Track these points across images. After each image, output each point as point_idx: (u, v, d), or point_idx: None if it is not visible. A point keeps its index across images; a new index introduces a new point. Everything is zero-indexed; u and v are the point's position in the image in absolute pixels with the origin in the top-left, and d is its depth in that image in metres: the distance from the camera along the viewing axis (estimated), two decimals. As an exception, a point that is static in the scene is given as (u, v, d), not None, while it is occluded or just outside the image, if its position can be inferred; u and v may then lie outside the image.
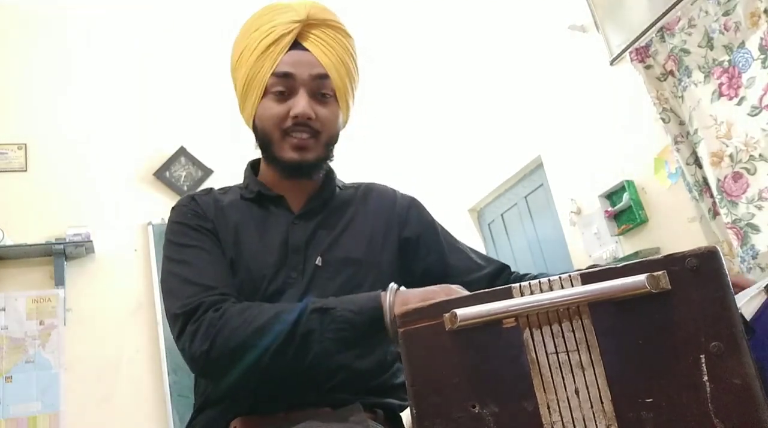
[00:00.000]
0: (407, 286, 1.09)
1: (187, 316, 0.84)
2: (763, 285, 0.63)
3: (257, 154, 1.09)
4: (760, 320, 0.59)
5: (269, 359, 0.79)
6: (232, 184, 1.09)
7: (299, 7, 0.96)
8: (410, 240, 1.06)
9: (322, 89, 0.96)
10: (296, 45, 0.95)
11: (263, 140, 0.98)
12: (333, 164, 1.10)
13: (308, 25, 0.96)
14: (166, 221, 1.02)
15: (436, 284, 1.04)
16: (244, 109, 1.01)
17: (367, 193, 1.10)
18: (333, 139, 1.01)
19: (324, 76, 0.96)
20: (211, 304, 0.84)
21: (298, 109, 0.94)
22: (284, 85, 0.95)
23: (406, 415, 0.98)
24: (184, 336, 0.83)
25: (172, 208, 1.01)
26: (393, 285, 0.81)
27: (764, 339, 0.56)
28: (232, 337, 0.80)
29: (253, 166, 1.09)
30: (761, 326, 0.58)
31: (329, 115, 0.98)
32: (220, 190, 1.06)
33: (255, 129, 1.00)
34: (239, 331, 0.80)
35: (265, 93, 0.96)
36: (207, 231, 0.96)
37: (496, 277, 1.08)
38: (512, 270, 1.11)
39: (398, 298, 0.78)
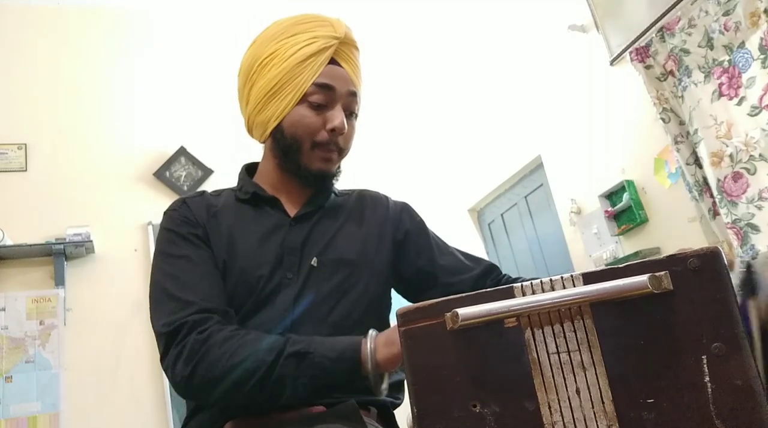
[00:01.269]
0: (398, 286, 1.10)
1: (170, 338, 0.85)
2: (738, 287, 0.62)
3: (257, 153, 1.09)
4: None
5: (246, 393, 0.81)
6: (226, 187, 1.09)
7: (337, 25, 0.99)
8: (402, 243, 1.08)
9: (352, 106, 1.00)
10: (332, 60, 0.98)
11: (290, 145, 0.98)
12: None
13: (343, 43, 0.99)
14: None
15: (426, 284, 1.07)
16: (265, 110, 0.99)
17: (360, 198, 1.12)
18: (348, 153, 1.05)
19: (355, 94, 1.00)
20: (193, 325, 0.84)
21: (336, 122, 0.96)
22: (324, 96, 0.97)
23: (399, 413, 0.99)
24: (168, 358, 0.84)
25: (164, 213, 1.01)
26: (372, 333, 0.82)
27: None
28: (211, 368, 0.81)
29: (248, 170, 1.10)
30: None
31: (351, 132, 1.03)
32: (213, 192, 1.06)
33: (279, 132, 0.99)
34: (218, 364, 0.81)
35: (301, 100, 0.97)
36: (197, 239, 0.96)
37: (485, 277, 1.09)
38: (502, 272, 1.11)
39: (380, 339, 0.80)
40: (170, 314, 0.86)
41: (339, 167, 1.04)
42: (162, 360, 0.86)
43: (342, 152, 1.02)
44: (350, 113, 1.01)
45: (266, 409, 0.87)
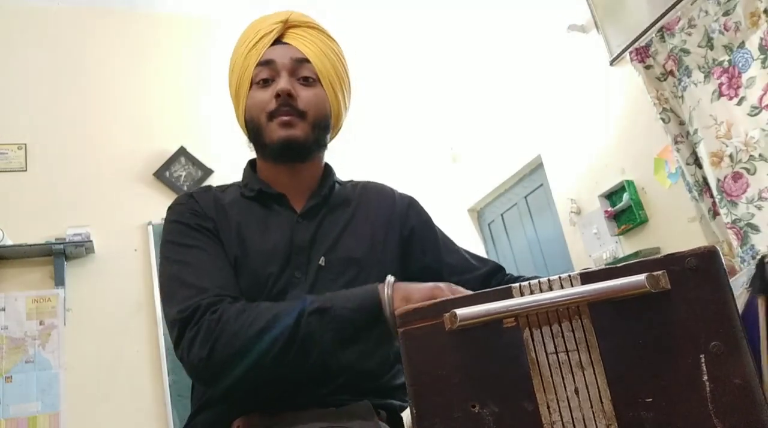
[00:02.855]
0: None
1: (185, 322, 0.83)
2: (747, 283, 0.62)
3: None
4: (746, 318, 0.59)
5: (270, 362, 0.79)
6: (230, 183, 1.08)
7: (282, 13, 1.03)
8: (408, 239, 1.07)
9: (303, 72, 0.99)
10: (278, 42, 1.01)
11: (254, 129, 0.99)
12: (332, 164, 1.10)
13: (290, 26, 1.02)
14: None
15: (432, 282, 1.04)
16: (238, 108, 1.02)
17: (365, 191, 1.10)
18: (321, 121, 1.00)
19: (304, 60, 0.99)
20: (207, 307, 0.83)
21: (278, 86, 0.96)
22: (267, 72, 0.98)
23: (405, 415, 0.99)
24: (182, 343, 0.82)
25: (169, 208, 1.00)
26: (390, 279, 0.81)
27: (750, 336, 0.56)
28: (231, 342, 0.79)
29: (252, 166, 1.09)
30: (747, 324, 0.57)
31: (313, 97, 0.99)
32: (218, 187, 1.05)
33: (247, 123, 1.01)
34: (238, 336, 0.79)
35: (251, 85, 0.99)
36: (207, 231, 0.95)
37: (490, 278, 1.08)
38: (507, 272, 1.10)
39: (398, 292, 0.78)
40: (185, 300, 0.85)
41: (318, 137, 1.00)
42: (177, 347, 0.84)
43: (304, 115, 0.97)
44: (304, 79, 0.99)
45: (278, 405, 0.85)
